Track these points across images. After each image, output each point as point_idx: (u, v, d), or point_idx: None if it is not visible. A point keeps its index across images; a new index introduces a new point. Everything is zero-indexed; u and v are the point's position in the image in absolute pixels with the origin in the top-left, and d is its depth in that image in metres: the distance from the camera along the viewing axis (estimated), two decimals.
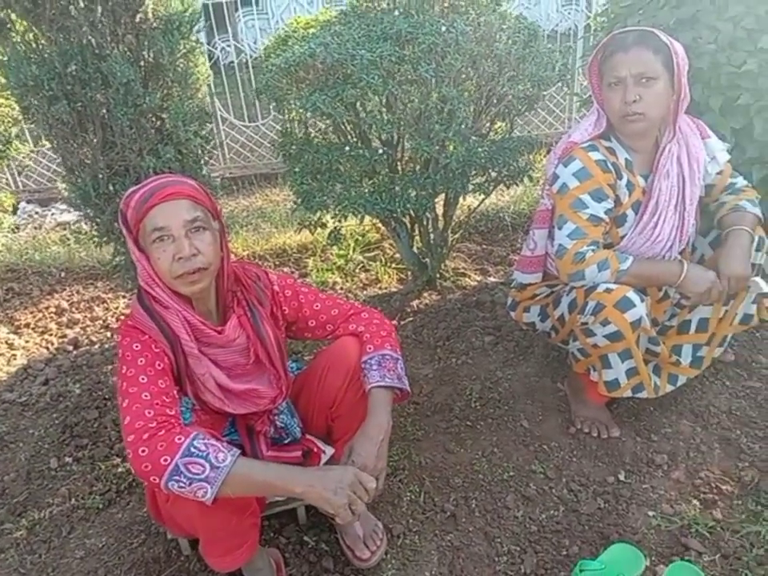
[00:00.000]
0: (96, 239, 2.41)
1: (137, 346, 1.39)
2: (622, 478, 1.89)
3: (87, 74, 1.96)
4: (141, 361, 1.37)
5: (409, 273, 2.98)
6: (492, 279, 2.97)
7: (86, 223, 2.38)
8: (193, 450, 1.24)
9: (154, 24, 2.06)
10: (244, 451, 1.53)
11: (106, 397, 2.36)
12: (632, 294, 1.74)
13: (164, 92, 2.16)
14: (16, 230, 4.57)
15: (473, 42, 2.00)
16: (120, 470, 2.05)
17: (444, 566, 1.68)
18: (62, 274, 3.31)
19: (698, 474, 1.87)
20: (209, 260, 1.38)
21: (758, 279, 1.84)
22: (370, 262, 3.12)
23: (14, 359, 2.69)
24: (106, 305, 3.03)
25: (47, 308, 3.03)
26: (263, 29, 7.98)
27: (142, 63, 2.11)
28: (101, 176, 2.20)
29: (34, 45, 1.98)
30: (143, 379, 1.35)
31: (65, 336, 2.82)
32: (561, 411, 2.15)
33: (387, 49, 1.99)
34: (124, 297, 3.06)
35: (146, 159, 2.14)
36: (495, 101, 2.24)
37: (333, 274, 3.08)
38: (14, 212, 4.87)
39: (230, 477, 1.24)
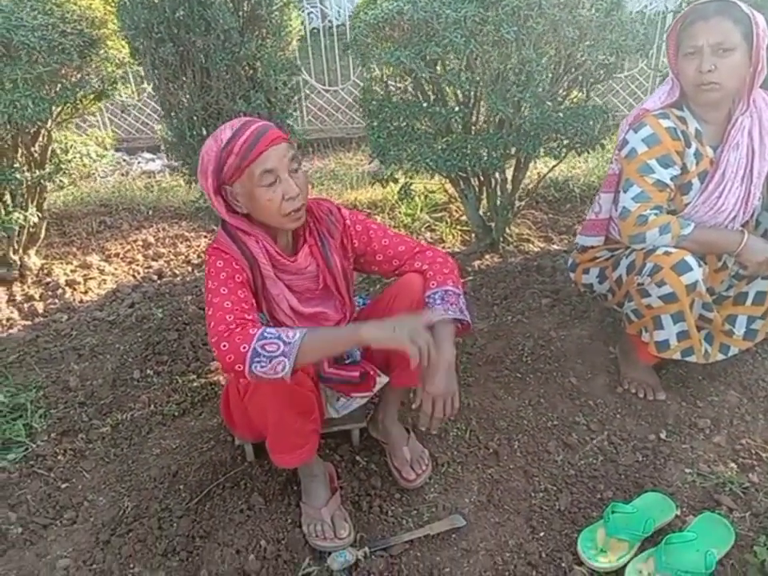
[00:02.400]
0: (187, 177, 2.61)
1: (220, 263, 1.55)
2: (663, 436, 1.96)
3: (192, 19, 2.13)
4: (222, 275, 1.53)
5: (473, 235, 3.07)
6: (555, 247, 3.04)
7: (176, 164, 2.58)
8: (266, 334, 1.39)
9: None
10: None
11: (186, 322, 2.58)
12: (690, 258, 1.80)
13: (259, 42, 2.32)
14: (104, 175, 4.89)
15: (555, 6, 2.06)
16: (195, 384, 2.26)
17: (483, 495, 1.80)
18: (150, 212, 3.58)
19: (739, 441, 1.93)
20: (305, 196, 1.53)
21: None
22: (436, 223, 3.24)
23: (104, 283, 2.95)
24: (188, 242, 3.26)
25: (135, 241, 3.29)
26: None
27: (240, 13, 2.27)
28: (196, 117, 2.38)
29: None
30: (224, 290, 1.51)
31: (150, 267, 3.06)
32: (610, 372, 2.22)
33: (471, 9, 2.07)
34: (205, 237, 3.29)
35: (238, 103, 2.31)
36: (573, 68, 2.29)
37: (399, 230, 3.21)
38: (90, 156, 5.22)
39: (303, 346, 1.38)
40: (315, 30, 5.82)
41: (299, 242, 1.66)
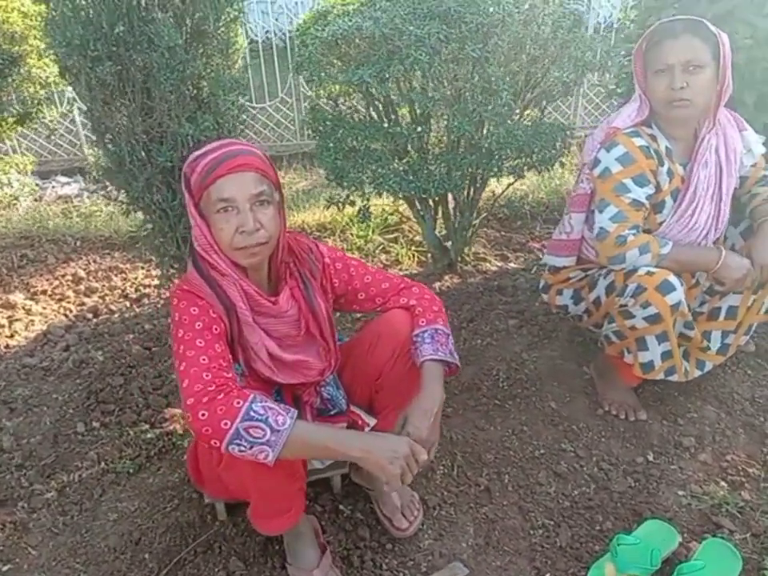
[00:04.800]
0: (125, 206, 2.38)
1: (194, 310, 1.38)
2: (650, 458, 1.93)
3: (133, 36, 1.94)
4: (198, 324, 1.37)
5: (429, 255, 2.99)
6: (512, 265, 3.00)
7: (115, 191, 2.35)
8: (252, 413, 1.24)
9: None
10: None
11: (131, 365, 2.35)
12: (673, 278, 1.77)
13: (205, 60, 2.15)
14: (15, 201, 4.49)
15: (519, 24, 2.02)
16: (149, 435, 2.04)
17: (480, 537, 1.70)
18: (78, 243, 3.28)
19: (724, 457, 1.92)
20: (270, 234, 1.37)
21: None
22: (391, 244, 3.14)
23: (32, 324, 2.67)
24: (124, 275, 3.01)
25: (63, 276, 3.00)
26: (265, 12, 7.94)
27: (184, 29, 2.09)
28: (136, 141, 2.17)
29: (80, 3, 1.95)
30: (200, 343, 1.34)
31: (83, 304, 2.80)
32: (587, 394, 2.18)
33: (435, 26, 2.00)
34: (143, 268, 3.04)
35: (184, 126, 2.12)
36: (534, 85, 2.26)
37: (353, 254, 3.09)
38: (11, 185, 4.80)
39: (291, 440, 1.25)
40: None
41: (279, 283, 1.51)
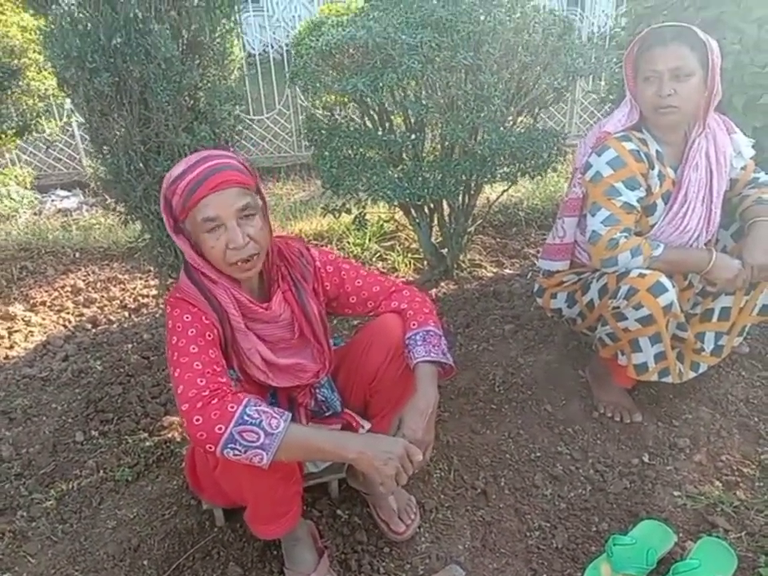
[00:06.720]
0: (123, 217, 2.41)
1: (187, 317, 1.40)
2: (646, 460, 1.94)
3: (130, 47, 1.97)
4: (191, 331, 1.38)
5: (425, 262, 3.01)
6: (508, 271, 3.02)
7: (113, 201, 2.38)
8: (246, 417, 1.25)
9: (196, 1, 2.08)
10: None
11: (130, 374, 2.36)
12: (664, 280, 1.79)
13: (201, 71, 2.18)
14: (15, 214, 4.51)
15: (510, 31, 2.05)
16: (148, 444, 2.05)
17: (477, 540, 1.71)
18: (77, 255, 3.30)
19: (719, 458, 1.93)
20: (261, 245, 1.40)
21: None
22: (387, 252, 3.16)
23: (32, 335, 2.68)
24: (122, 285, 3.03)
25: (63, 287, 3.02)
26: (262, 26, 8.03)
27: (181, 40, 2.13)
28: (134, 152, 2.20)
29: (78, 16, 1.98)
30: (194, 349, 1.36)
31: (82, 315, 2.81)
32: (583, 397, 2.19)
33: (427, 35, 2.03)
34: (141, 278, 3.06)
35: (181, 136, 2.16)
36: (526, 92, 2.29)
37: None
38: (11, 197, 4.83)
39: (285, 443, 1.26)
40: None
41: (271, 287, 1.53)
